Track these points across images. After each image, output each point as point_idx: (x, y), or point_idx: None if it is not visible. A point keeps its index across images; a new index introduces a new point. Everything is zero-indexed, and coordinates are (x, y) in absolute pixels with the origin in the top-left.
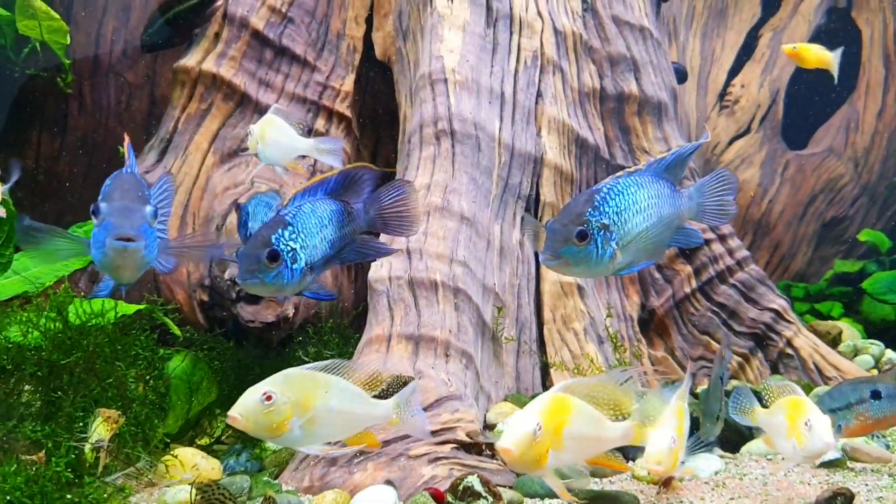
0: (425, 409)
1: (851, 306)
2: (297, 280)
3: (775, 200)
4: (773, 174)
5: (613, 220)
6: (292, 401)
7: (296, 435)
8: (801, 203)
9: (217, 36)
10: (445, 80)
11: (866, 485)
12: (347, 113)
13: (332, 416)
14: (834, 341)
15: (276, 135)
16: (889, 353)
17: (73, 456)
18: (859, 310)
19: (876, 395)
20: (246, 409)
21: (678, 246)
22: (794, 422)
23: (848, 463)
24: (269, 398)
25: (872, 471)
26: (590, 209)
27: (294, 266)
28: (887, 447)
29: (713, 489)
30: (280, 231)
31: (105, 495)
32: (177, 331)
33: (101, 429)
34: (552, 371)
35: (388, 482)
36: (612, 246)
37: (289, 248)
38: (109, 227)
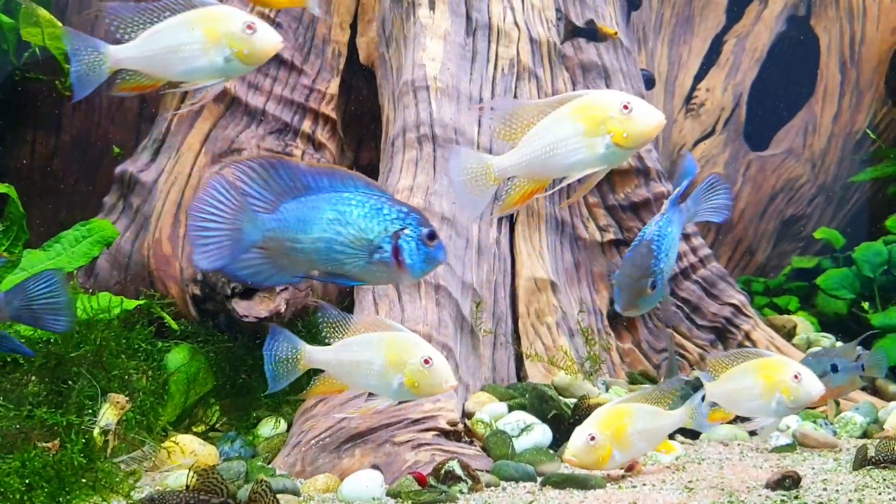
0: (408, 400)
1: (808, 300)
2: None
3: (738, 199)
4: (735, 174)
5: (664, 262)
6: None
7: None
8: (762, 202)
9: None
10: (427, 87)
11: (813, 468)
12: (333, 115)
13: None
14: (789, 334)
15: None
16: (839, 344)
17: (83, 441)
18: (815, 304)
19: (834, 368)
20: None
21: None
22: (773, 379)
23: (797, 448)
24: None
25: (819, 455)
26: (653, 261)
27: None
28: (834, 433)
29: (673, 472)
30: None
31: (116, 479)
32: (174, 325)
33: (109, 413)
34: (526, 362)
35: (375, 467)
36: (663, 280)
37: None
38: None
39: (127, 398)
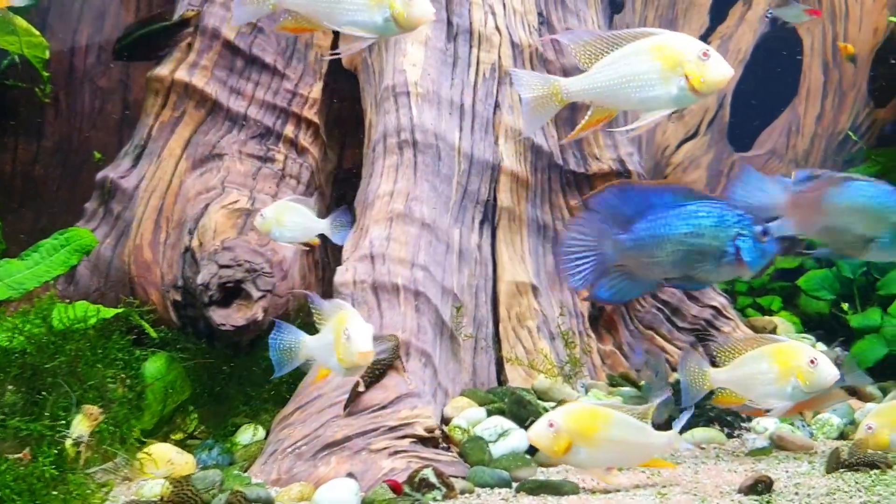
0: (385, 407)
1: (790, 300)
2: None
3: None
4: (719, 175)
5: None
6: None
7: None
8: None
9: (189, 46)
10: (408, 93)
11: (787, 472)
12: (315, 119)
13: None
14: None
15: (296, 218)
16: (820, 345)
17: (55, 452)
18: (797, 304)
19: None
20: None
21: None
22: (788, 364)
23: (773, 451)
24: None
25: (795, 458)
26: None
27: None
28: (811, 435)
29: (648, 477)
30: None
31: (88, 491)
32: (153, 333)
33: (82, 424)
34: (507, 366)
35: (351, 475)
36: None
37: None
38: None
39: (100, 409)
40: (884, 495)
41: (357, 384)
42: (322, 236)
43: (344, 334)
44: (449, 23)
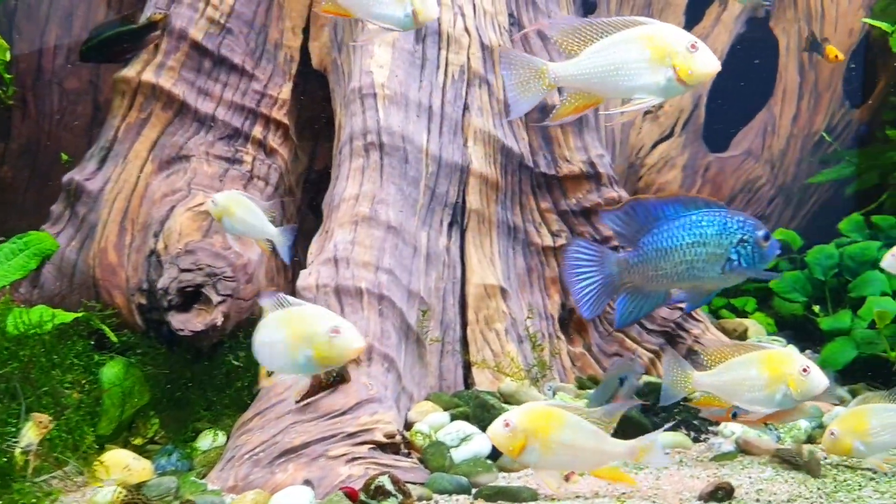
0: (345, 413)
1: (765, 301)
2: None
3: None
4: (694, 175)
5: None
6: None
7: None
8: (722, 202)
9: (157, 47)
10: (375, 95)
11: (750, 478)
12: (285, 120)
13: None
14: (740, 337)
15: (246, 215)
16: (791, 347)
17: (4, 460)
18: (772, 305)
19: None
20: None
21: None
22: (779, 371)
23: (739, 456)
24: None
25: (760, 463)
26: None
27: None
28: (778, 439)
29: (608, 483)
30: None
31: (33, 500)
32: (113, 337)
33: (31, 433)
34: (474, 369)
35: (307, 482)
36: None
37: None
38: None
39: (50, 418)
40: (844, 502)
41: (317, 379)
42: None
43: (330, 332)
44: None
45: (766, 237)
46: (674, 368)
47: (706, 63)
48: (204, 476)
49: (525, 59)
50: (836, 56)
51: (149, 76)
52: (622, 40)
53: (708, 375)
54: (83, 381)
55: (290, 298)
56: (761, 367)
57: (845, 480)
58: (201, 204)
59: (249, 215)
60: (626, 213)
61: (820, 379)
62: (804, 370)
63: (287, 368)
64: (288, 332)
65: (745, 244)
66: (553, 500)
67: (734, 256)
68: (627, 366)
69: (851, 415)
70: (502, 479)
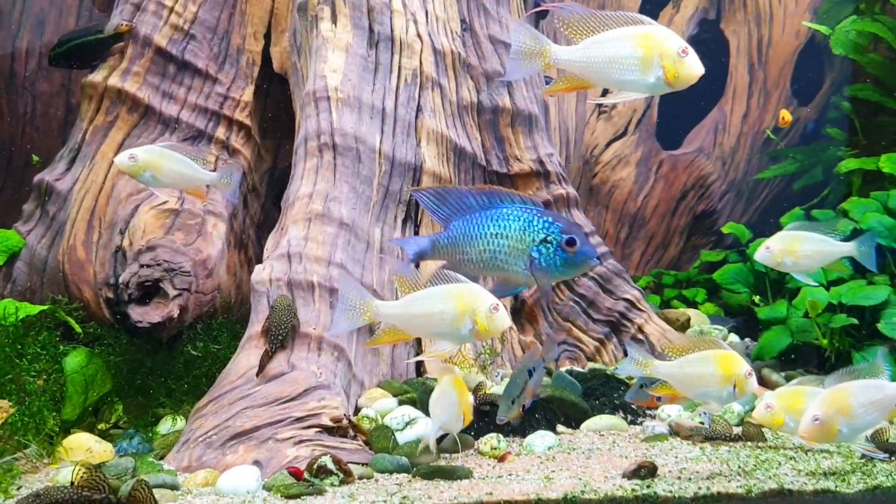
0: (294, 399)
1: (715, 292)
2: None
3: (650, 196)
4: (647, 172)
5: None
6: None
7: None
8: (674, 198)
9: (122, 53)
10: (328, 98)
11: (676, 458)
12: (247, 121)
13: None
14: (683, 327)
15: (175, 165)
16: (732, 336)
17: None
18: (721, 296)
19: None
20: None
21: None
22: (731, 372)
23: (670, 438)
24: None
25: (688, 444)
26: None
27: None
28: (710, 422)
29: (542, 462)
30: None
31: None
32: (77, 328)
33: None
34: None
35: (256, 462)
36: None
37: None
38: None
39: (10, 403)
40: (761, 479)
41: (265, 352)
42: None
43: (491, 309)
44: (370, 30)
45: (571, 242)
46: (637, 353)
47: (693, 68)
48: (162, 458)
49: (534, 35)
50: (784, 118)
51: (115, 81)
52: (620, 36)
53: (669, 366)
54: (48, 370)
55: (452, 273)
56: (717, 366)
57: (766, 460)
58: (165, 202)
59: (179, 165)
60: (438, 195)
61: (754, 383)
62: (749, 374)
63: (449, 336)
64: (455, 305)
65: (548, 245)
66: (486, 478)
67: (535, 255)
68: (535, 358)
69: (791, 393)
70: (443, 460)
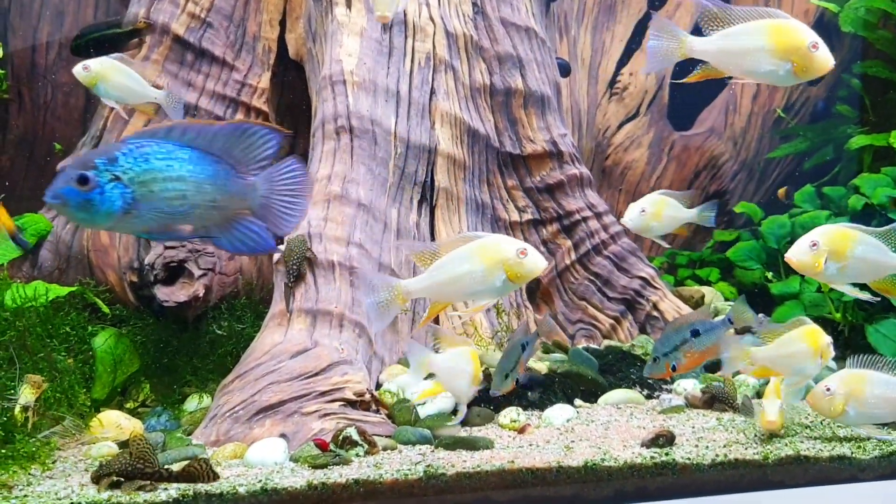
0: (318, 374)
1: (729, 271)
2: (110, 217)
3: (663, 177)
4: (660, 153)
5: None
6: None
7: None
8: (687, 179)
9: (141, 42)
10: (344, 82)
11: (693, 427)
12: (264, 108)
13: None
14: (697, 304)
15: (124, 79)
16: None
17: (5, 418)
18: (734, 274)
19: (695, 333)
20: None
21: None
22: (818, 345)
23: (686, 409)
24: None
25: (704, 415)
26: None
27: (110, 198)
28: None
29: (561, 434)
30: (109, 157)
31: (34, 449)
32: (105, 308)
33: (27, 392)
34: None
35: (283, 435)
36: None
37: (110, 178)
38: None
39: (44, 378)
40: (777, 446)
41: (285, 285)
42: None
43: (519, 253)
44: None
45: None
46: (732, 346)
47: (822, 62)
48: (190, 434)
49: (672, 28)
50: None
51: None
52: (754, 29)
53: (765, 350)
54: (78, 350)
55: (470, 233)
56: (808, 342)
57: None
58: None
59: (128, 79)
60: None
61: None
62: (829, 343)
63: (485, 293)
64: (480, 261)
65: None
66: (507, 448)
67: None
68: (528, 331)
69: (852, 377)
70: (464, 433)
